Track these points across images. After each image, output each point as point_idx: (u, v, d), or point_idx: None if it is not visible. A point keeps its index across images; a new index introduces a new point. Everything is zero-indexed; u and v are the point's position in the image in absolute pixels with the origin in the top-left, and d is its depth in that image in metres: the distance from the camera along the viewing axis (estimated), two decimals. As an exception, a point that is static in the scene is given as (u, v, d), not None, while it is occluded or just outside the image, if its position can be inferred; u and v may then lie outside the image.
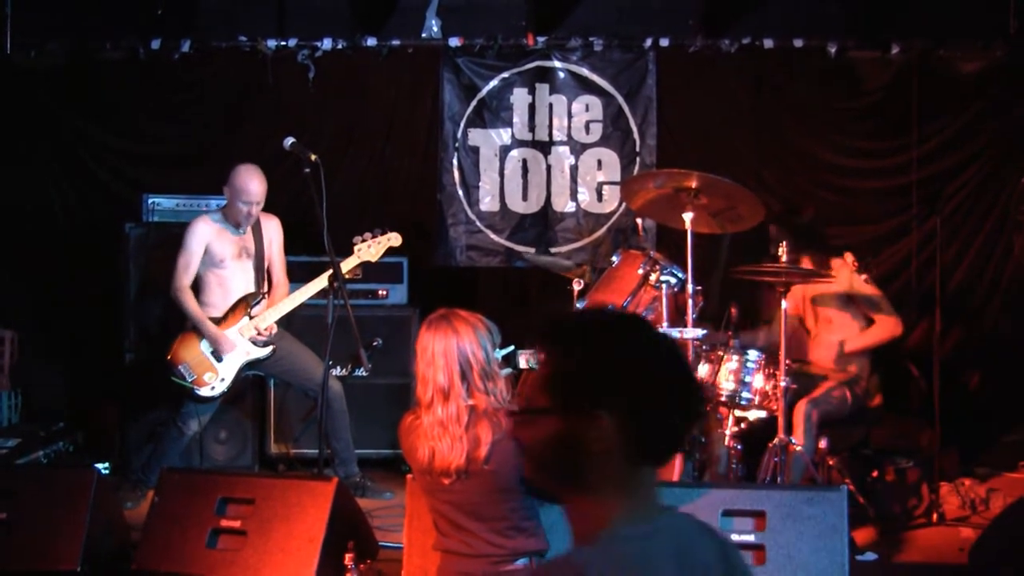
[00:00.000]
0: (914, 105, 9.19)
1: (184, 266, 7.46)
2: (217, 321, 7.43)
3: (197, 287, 7.56)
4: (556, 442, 2.36)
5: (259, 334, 7.41)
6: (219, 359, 7.39)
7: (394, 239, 7.44)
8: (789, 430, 6.77)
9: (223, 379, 7.40)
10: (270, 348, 7.49)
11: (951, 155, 9.22)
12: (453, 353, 4.63)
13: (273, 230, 7.75)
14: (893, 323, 7.58)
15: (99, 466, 7.07)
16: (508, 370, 5.53)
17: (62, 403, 8.97)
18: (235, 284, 7.55)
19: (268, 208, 7.62)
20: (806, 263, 7.39)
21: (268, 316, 7.43)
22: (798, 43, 9.18)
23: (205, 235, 7.51)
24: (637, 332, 2.46)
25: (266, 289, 7.65)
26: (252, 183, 7.41)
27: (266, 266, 7.68)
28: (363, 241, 7.33)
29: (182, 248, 7.49)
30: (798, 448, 6.72)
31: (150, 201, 8.62)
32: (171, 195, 8.67)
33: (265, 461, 8.40)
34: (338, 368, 7.91)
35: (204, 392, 7.36)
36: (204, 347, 7.38)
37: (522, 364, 7.23)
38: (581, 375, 2.36)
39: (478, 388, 4.65)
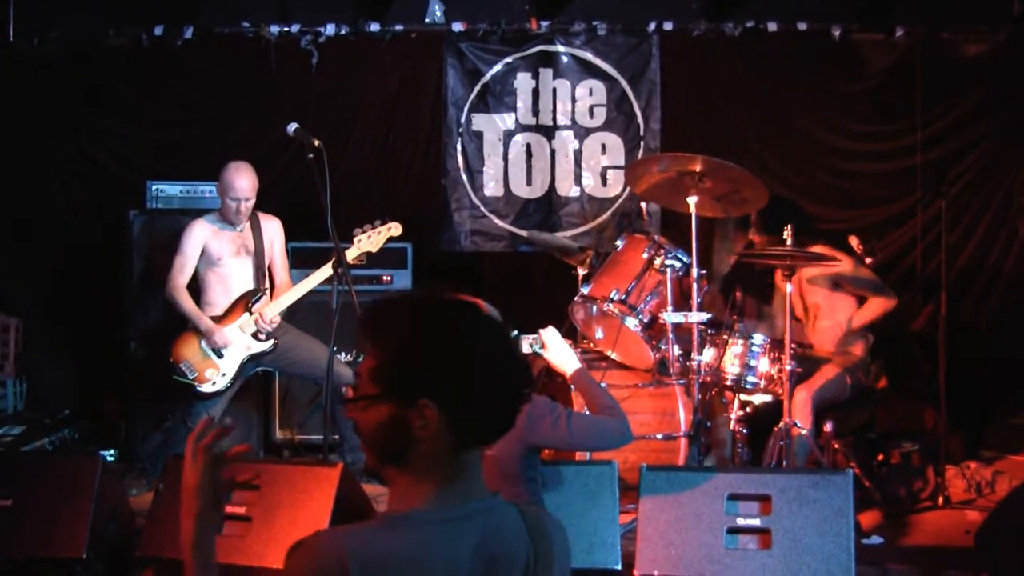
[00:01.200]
0: (918, 88, 9.17)
1: (179, 267, 7.50)
2: (217, 319, 7.43)
3: (199, 287, 7.58)
4: (386, 428, 2.43)
5: (264, 324, 7.39)
6: (220, 355, 7.39)
7: (394, 229, 7.41)
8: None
9: (224, 374, 7.40)
10: (271, 342, 7.49)
11: (955, 138, 9.21)
12: None
13: (274, 231, 7.76)
14: (885, 298, 7.54)
15: (104, 453, 7.08)
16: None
17: (67, 391, 8.97)
18: (235, 282, 7.56)
19: (271, 195, 7.63)
20: (819, 248, 7.36)
21: (271, 309, 7.43)
22: (801, 26, 9.17)
23: (201, 236, 7.54)
24: (457, 318, 2.52)
25: (267, 287, 7.64)
26: (239, 179, 7.43)
27: (267, 264, 7.68)
28: (363, 232, 7.31)
29: (178, 250, 7.54)
30: (803, 432, 6.72)
31: (154, 188, 8.61)
32: (175, 181, 8.67)
33: (270, 447, 8.41)
34: (343, 354, 7.91)
35: (206, 388, 7.37)
36: (204, 344, 7.39)
37: (525, 348, 7.24)
38: (403, 364, 2.43)
39: None
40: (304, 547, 2.35)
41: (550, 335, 5.39)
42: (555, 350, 5.34)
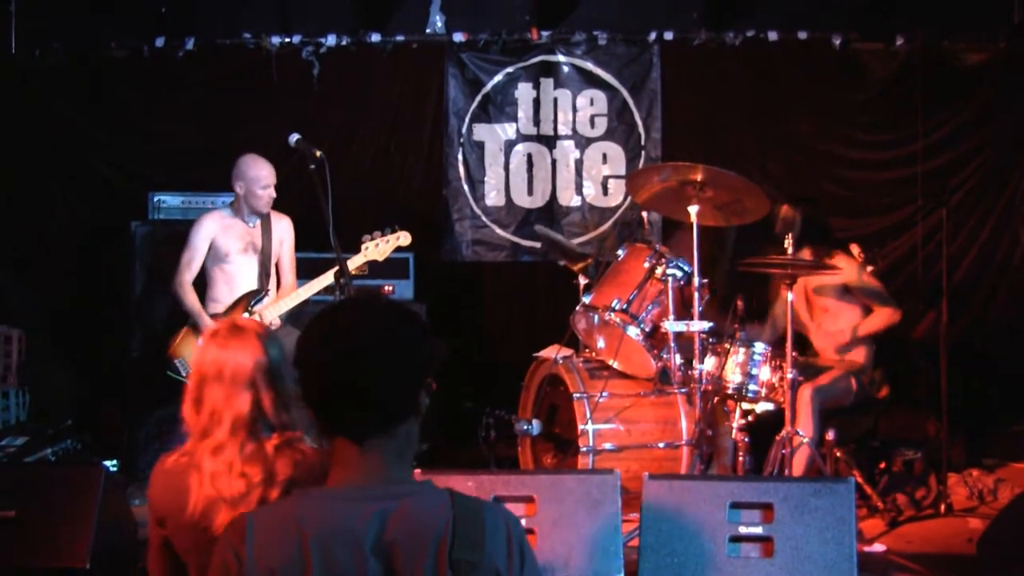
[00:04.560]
0: (919, 97, 9.19)
1: (187, 262, 7.49)
2: (218, 316, 7.43)
3: (204, 283, 7.58)
4: None
5: (259, 328, 7.39)
6: (215, 355, 7.39)
7: (403, 238, 7.41)
8: (796, 422, 6.76)
9: None
10: (268, 345, 7.48)
11: (956, 146, 9.23)
12: (248, 372, 3.65)
13: (284, 229, 7.75)
14: (891, 310, 7.56)
15: (107, 463, 7.07)
16: None
17: (69, 401, 8.97)
18: (241, 280, 7.56)
19: (274, 204, 7.63)
20: (806, 254, 7.38)
21: (270, 312, 7.43)
22: (802, 35, 9.20)
23: (210, 231, 7.53)
24: (320, 320, 2.72)
25: (271, 287, 7.64)
26: (263, 168, 7.47)
27: (273, 263, 7.68)
28: (371, 240, 7.31)
29: (186, 244, 7.52)
30: (804, 440, 6.72)
31: (155, 199, 8.64)
32: (176, 192, 8.69)
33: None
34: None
35: None
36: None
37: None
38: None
39: (279, 419, 3.66)
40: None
41: None
42: None
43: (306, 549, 2.45)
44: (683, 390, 6.98)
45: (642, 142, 9.38)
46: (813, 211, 7.66)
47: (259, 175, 7.45)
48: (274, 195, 7.53)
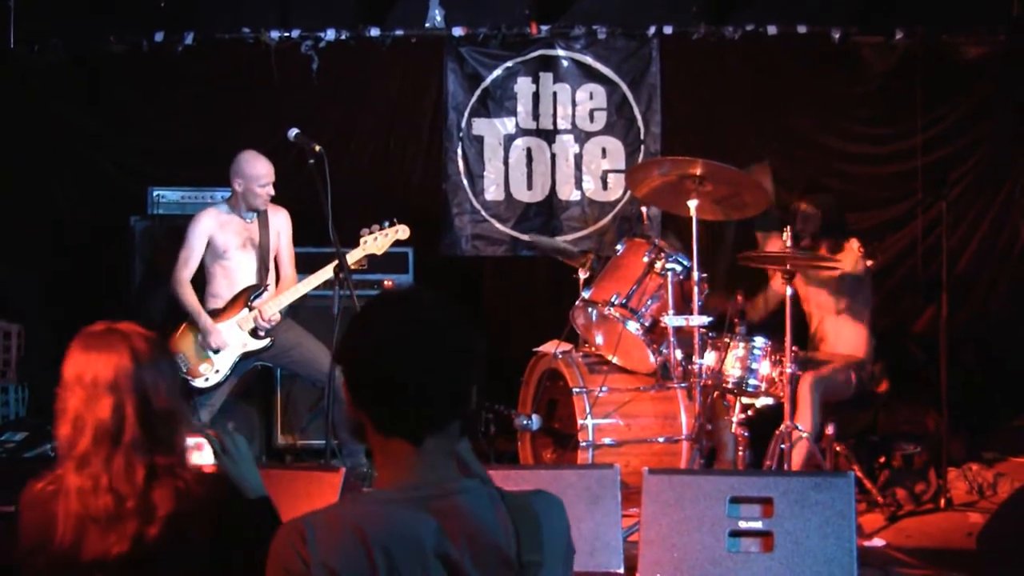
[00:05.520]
0: (918, 90, 9.19)
1: (184, 260, 7.49)
2: (217, 312, 7.44)
3: (204, 278, 7.57)
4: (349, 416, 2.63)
5: (262, 322, 7.40)
6: (215, 351, 7.40)
7: (402, 232, 7.41)
8: (796, 416, 6.76)
9: (218, 371, 7.41)
10: (268, 340, 7.48)
11: (956, 140, 9.23)
12: (127, 383, 3.30)
13: (281, 222, 7.74)
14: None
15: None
16: None
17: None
18: (241, 275, 7.55)
19: (273, 199, 7.63)
20: (824, 248, 7.39)
21: (270, 307, 7.43)
22: (801, 29, 9.19)
23: (207, 228, 7.52)
24: (366, 314, 2.65)
25: (271, 282, 7.64)
26: (262, 165, 7.44)
27: (272, 257, 7.68)
28: (370, 233, 7.30)
29: (184, 242, 7.51)
30: (804, 435, 6.73)
31: (155, 194, 8.63)
32: (176, 188, 8.69)
33: (272, 452, 8.41)
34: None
35: (198, 383, 7.38)
36: (201, 340, 7.40)
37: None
38: (337, 353, 2.62)
39: (158, 437, 3.28)
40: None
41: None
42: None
43: (370, 553, 2.39)
44: (683, 385, 6.98)
45: (641, 136, 9.37)
46: (830, 202, 7.68)
47: (258, 173, 7.44)
48: (272, 192, 7.52)
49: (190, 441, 3.40)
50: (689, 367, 6.89)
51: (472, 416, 2.69)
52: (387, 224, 7.36)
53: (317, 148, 6.59)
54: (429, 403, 2.53)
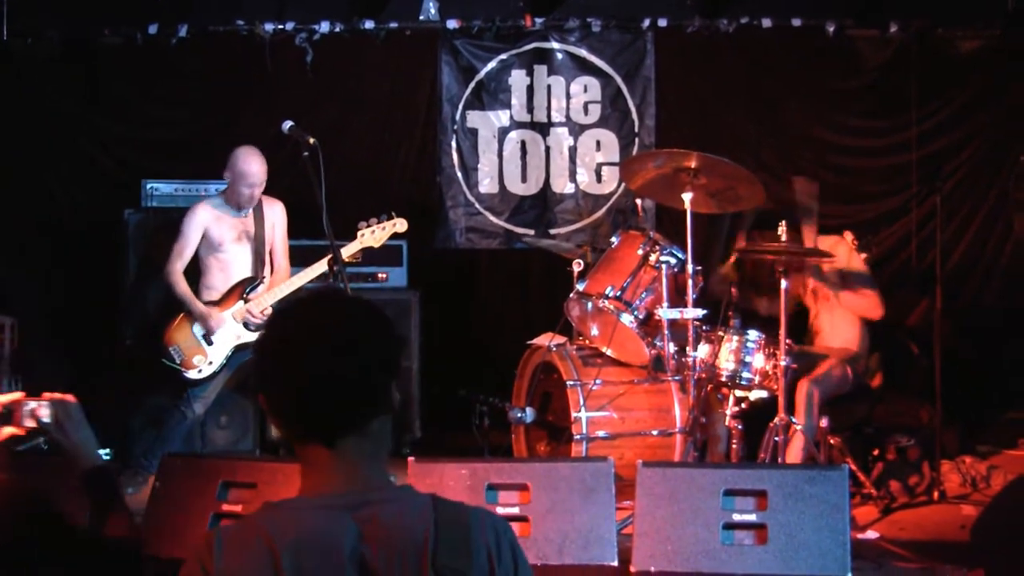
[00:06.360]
0: (913, 84, 9.21)
1: (179, 251, 7.50)
2: (212, 304, 7.45)
3: (199, 271, 7.59)
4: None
5: (253, 317, 7.41)
6: (209, 342, 7.41)
7: (400, 225, 7.40)
8: (790, 410, 6.77)
9: (211, 362, 7.42)
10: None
11: (950, 133, 9.24)
12: None
13: (276, 214, 7.75)
14: (876, 302, 7.59)
15: (100, 452, 7.05)
16: None
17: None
18: (236, 268, 7.57)
19: (268, 192, 7.63)
20: (808, 239, 7.41)
21: (264, 300, 7.44)
22: (796, 22, 9.20)
23: (203, 221, 7.53)
24: (285, 312, 2.62)
25: (266, 274, 7.65)
26: (252, 165, 7.43)
27: (267, 250, 7.68)
28: (368, 227, 7.30)
29: (179, 233, 7.53)
30: (798, 427, 6.74)
31: (149, 186, 8.62)
32: (170, 180, 8.68)
33: (266, 446, 8.40)
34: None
35: (191, 375, 7.39)
36: (196, 330, 7.41)
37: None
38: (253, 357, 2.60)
39: None
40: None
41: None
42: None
43: (278, 563, 2.36)
44: (677, 378, 6.97)
45: (636, 129, 9.38)
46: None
47: (246, 171, 7.43)
48: (259, 193, 7.52)
49: (26, 407, 3.27)
50: (683, 360, 6.88)
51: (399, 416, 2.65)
52: (385, 217, 7.35)
53: (311, 141, 6.57)
54: (341, 400, 2.49)
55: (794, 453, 6.78)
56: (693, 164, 6.78)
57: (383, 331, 2.57)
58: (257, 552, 2.38)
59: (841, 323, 7.63)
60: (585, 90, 9.41)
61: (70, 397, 3.37)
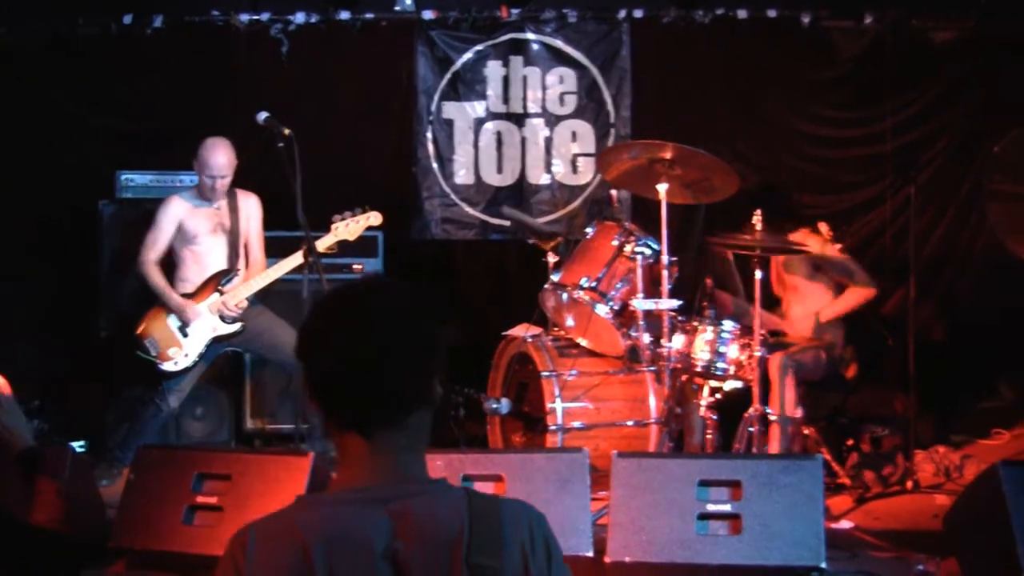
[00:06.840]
0: (888, 74, 9.21)
1: (152, 242, 7.49)
2: (187, 296, 7.44)
3: (174, 263, 7.58)
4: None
5: (228, 310, 7.40)
6: (185, 334, 7.40)
7: (374, 218, 7.42)
8: (765, 400, 6.80)
9: (187, 355, 7.41)
10: (238, 325, 7.48)
11: (925, 124, 9.26)
12: None
13: (252, 207, 7.74)
14: (866, 288, 7.63)
15: (75, 444, 7.04)
16: None
17: (37, 382, 8.91)
18: (211, 260, 7.56)
19: (243, 183, 7.62)
20: (800, 234, 7.47)
21: (239, 292, 7.43)
22: (771, 13, 9.19)
23: (177, 213, 7.52)
24: (326, 303, 2.57)
25: (241, 266, 7.63)
26: (217, 156, 7.41)
27: (242, 242, 7.67)
28: (342, 219, 7.31)
29: (152, 224, 7.53)
30: (773, 418, 6.78)
31: (123, 178, 8.58)
32: (145, 171, 8.64)
33: (242, 437, 8.40)
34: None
35: (167, 367, 7.38)
36: (172, 322, 7.39)
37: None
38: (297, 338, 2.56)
39: None
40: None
41: None
42: None
43: (309, 558, 2.32)
44: (652, 368, 7.00)
45: (612, 120, 9.38)
46: (773, 194, 7.75)
47: (212, 163, 7.42)
48: (226, 184, 7.51)
49: None
50: (658, 350, 6.91)
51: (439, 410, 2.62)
52: (359, 210, 7.36)
53: (286, 131, 6.58)
54: (381, 393, 2.46)
55: (776, 443, 6.84)
56: (668, 155, 6.81)
57: (428, 324, 2.55)
58: (288, 547, 2.35)
59: (812, 311, 7.67)
60: (561, 81, 9.40)
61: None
